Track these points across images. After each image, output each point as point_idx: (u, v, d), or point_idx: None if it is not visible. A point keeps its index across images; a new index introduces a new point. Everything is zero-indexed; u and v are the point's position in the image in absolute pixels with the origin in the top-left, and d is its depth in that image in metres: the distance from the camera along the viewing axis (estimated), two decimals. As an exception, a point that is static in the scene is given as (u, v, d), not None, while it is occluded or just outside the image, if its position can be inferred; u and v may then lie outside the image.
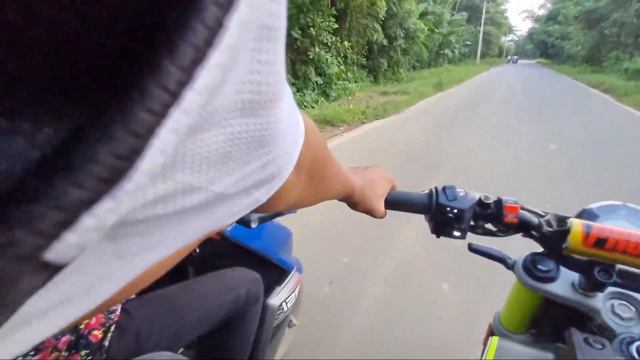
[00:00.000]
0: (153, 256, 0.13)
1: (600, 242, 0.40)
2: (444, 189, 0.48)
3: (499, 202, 0.46)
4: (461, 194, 0.47)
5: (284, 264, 0.90)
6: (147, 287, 0.32)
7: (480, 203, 0.47)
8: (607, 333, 0.45)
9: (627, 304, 0.46)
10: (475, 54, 33.04)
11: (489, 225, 0.48)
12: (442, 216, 0.46)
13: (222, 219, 0.15)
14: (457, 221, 0.46)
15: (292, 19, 9.17)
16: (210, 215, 0.14)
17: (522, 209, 0.47)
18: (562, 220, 0.46)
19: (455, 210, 0.46)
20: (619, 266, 0.43)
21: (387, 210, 0.48)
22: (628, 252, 0.39)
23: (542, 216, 0.48)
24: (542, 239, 0.47)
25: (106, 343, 0.53)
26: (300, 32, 8.96)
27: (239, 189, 0.14)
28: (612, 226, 0.41)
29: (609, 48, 18.84)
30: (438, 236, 0.48)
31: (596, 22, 18.26)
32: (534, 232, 0.46)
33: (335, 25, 9.27)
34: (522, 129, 5.41)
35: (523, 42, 70.71)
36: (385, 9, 11.55)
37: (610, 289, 0.47)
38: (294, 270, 0.92)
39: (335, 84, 9.01)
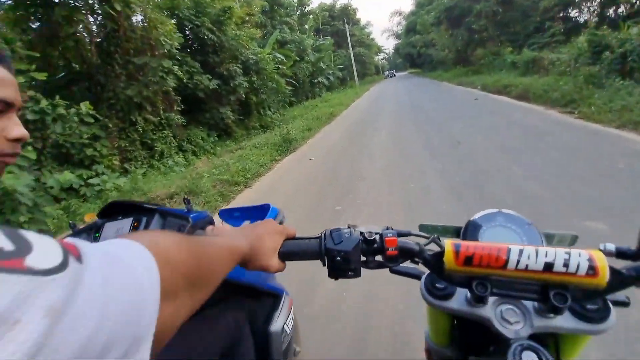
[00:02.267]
0: None
1: (469, 260, 0.43)
2: (331, 232, 0.50)
3: (381, 237, 0.49)
4: (346, 234, 0.49)
5: (275, 290, 0.94)
6: None
7: (365, 240, 0.49)
8: (502, 340, 0.47)
9: (513, 307, 0.48)
10: (353, 76, 31.80)
11: (379, 258, 0.50)
12: (333, 260, 0.49)
13: None
14: (346, 263, 0.48)
15: None
16: None
17: (402, 235, 0.50)
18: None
19: (342, 253, 0.48)
20: (495, 277, 0.45)
21: (286, 262, 0.51)
22: (491, 265, 0.42)
23: (427, 238, 0.51)
24: (425, 263, 0.49)
25: None
26: None
27: None
28: (476, 242, 0.44)
29: (475, 46, 17.72)
30: (336, 279, 0.50)
31: (459, 19, 17.08)
32: (416, 259, 0.49)
33: (29, 66, 4.17)
34: None
35: (393, 57, 76.44)
36: (180, 37, 7.00)
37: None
38: (284, 294, 0.96)
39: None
